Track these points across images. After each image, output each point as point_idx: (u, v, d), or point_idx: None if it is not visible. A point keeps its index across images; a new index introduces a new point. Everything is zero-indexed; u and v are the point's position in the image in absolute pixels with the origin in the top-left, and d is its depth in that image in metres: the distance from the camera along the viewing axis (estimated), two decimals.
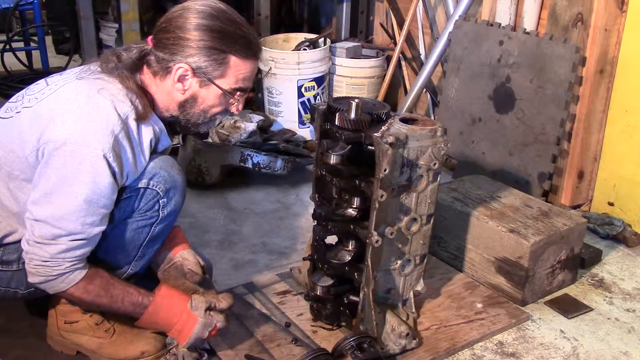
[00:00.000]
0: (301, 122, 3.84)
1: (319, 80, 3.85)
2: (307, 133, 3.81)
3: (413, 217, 1.95)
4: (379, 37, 4.34)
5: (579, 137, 2.91)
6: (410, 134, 1.84)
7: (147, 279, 1.95)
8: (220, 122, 3.44)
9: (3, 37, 4.71)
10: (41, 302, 1.99)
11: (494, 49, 3.12)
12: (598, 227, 2.79)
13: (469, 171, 3.03)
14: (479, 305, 2.27)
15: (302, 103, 3.81)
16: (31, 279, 1.72)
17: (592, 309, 2.32)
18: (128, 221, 1.82)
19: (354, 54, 4.00)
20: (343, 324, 2.10)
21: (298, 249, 2.67)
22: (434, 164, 1.90)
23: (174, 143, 2.11)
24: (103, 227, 1.72)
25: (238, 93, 1.84)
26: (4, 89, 4.33)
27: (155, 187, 1.80)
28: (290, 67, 3.75)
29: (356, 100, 1.85)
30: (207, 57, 1.75)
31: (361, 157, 1.85)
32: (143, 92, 1.78)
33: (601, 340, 2.17)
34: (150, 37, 1.81)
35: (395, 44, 3.97)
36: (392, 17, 4.05)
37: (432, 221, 2.00)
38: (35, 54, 4.84)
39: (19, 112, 1.75)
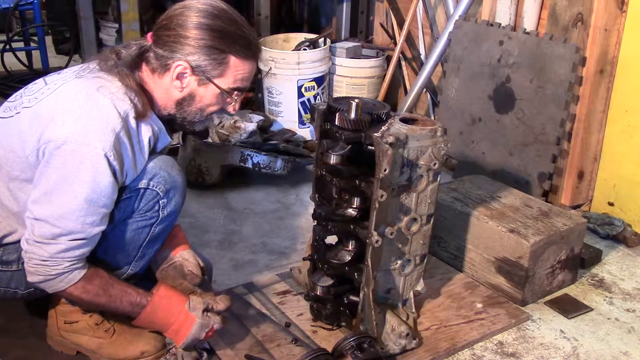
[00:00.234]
0: (301, 122, 3.84)
1: (319, 80, 3.85)
2: (307, 133, 3.81)
3: (413, 217, 1.94)
4: (379, 37, 4.34)
5: (579, 137, 2.91)
6: (410, 134, 1.84)
7: (147, 280, 1.95)
8: (220, 122, 3.44)
9: (3, 37, 4.71)
10: (41, 302, 1.99)
11: (494, 49, 3.12)
12: (598, 227, 2.79)
13: (469, 171, 3.03)
14: (479, 305, 2.27)
15: (302, 103, 3.81)
16: (30, 278, 1.72)
17: (592, 309, 2.32)
18: (128, 221, 1.82)
19: (354, 54, 4.00)
20: (343, 324, 2.10)
21: (298, 249, 2.67)
22: (434, 164, 1.90)
23: (174, 143, 2.11)
24: (103, 227, 1.72)
25: (236, 92, 1.84)
26: (4, 89, 4.32)
27: (156, 187, 1.80)
28: (290, 67, 3.75)
29: (356, 100, 1.85)
30: (207, 56, 1.75)
31: (361, 157, 1.85)
32: (142, 90, 1.78)
33: (601, 340, 2.17)
34: (149, 34, 1.81)
35: (395, 44, 3.97)
36: (392, 17, 4.05)
37: (432, 221, 2.00)
38: (35, 54, 4.84)
39: (19, 112, 1.75)
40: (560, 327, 2.22)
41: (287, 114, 3.85)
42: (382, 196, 1.80)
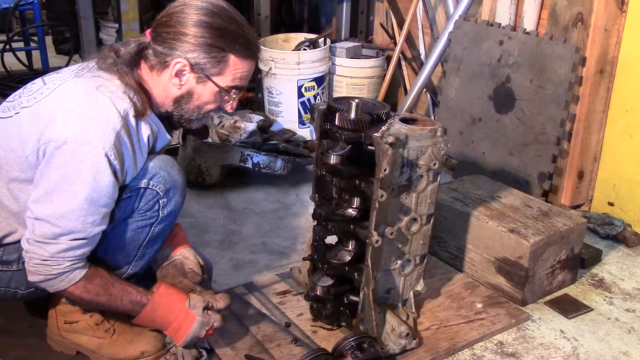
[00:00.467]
0: (301, 122, 3.84)
1: (319, 80, 3.85)
2: (307, 133, 3.81)
3: (413, 217, 1.94)
4: (379, 37, 4.34)
5: (579, 137, 2.91)
6: (410, 134, 1.84)
7: (147, 279, 1.95)
8: (220, 122, 3.44)
9: (3, 37, 4.71)
10: (41, 302, 1.99)
11: (494, 49, 3.12)
12: (598, 227, 2.79)
13: (469, 171, 3.03)
14: (479, 305, 2.27)
15: (302, 103, 3.81)
16: (31, 278, 1.72)
17: (592, 309, 2.32)
18: (128, 221, 1.82)
19: (354, 54, 4.00)
20: (343, 324, 2.10)
21: (298, 249, 2.67)
22: (434, 164, 1.90)
23: (174, 143, 2.11)
24: (104, 227, 1.72)
25: (234, 91, 1.84)
26: (4, 89, 4.32)
27: (155, 187, 1.80)
28: (290, 67, 3.75)
29: (356, 100, 1.85)
30: (207, 54, 1.75)
31: (361, 157, 1.85)
32: (141, 89, 1.78)
33: (601, 340, 2.17)
34: (148, 31, 1.81)
35: (395, 44, 3.98)
36: (392, 17, 4.05)
37: (432, 221, 2.00)
38: (35, 54, 4.83)
39: (18, 112, 1.75)
40: (560, 327, 2.22)
41: (287, 114, 3.85)
42: (382, 196, 1.80)
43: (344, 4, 4.29)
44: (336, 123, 1.87)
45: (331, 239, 2.09)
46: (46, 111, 1.70)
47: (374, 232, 1.85)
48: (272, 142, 3.45)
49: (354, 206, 1.94)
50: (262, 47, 3.54)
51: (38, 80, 1.84)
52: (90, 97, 1.69)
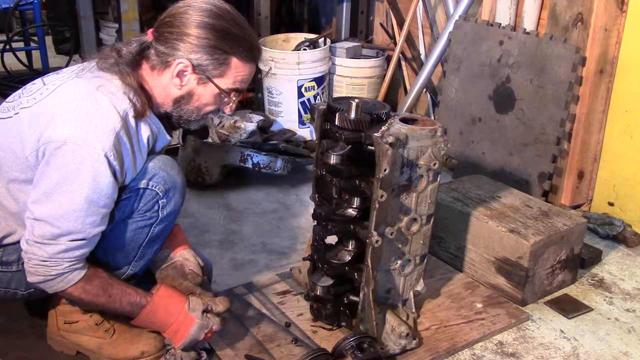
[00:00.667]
0: (301, 122, 3.84)
1: (319, 80, 3.85)
2: (307, 133, 3.81)
3: (413, 217, 1.95)
4: (379, 37, 4.34)
5: (579, 137, 2.91)
6: (410, 134, 1.84)
7: (147, 280, 1.95)
8: (220, 122, 3.44)
9: (3, 37, 4.70)
10: (41, 302, 1.99)
11: (494, 49, 3.12)
12: (598, 227, 2.79)
13: (469, 171, 3.04)
14: (479, 305, 2.27)
15: (302, 103, 3.81)
16: (30, 279, 1.72)
17: (592, 309, 2.32)
18: (127, 221, 1.81)
19: (354, 54, 4.00)
20: (343, 324, 2.10)
21: (298, 249, 2.67)
22: (434, 164, 1.90)
23: (174, 143, 2.11)
24: (103, 227, 1.72)
25: (233, 93, 1.85)
26: (4, 89, 4.31)
27: (155, 187, 1.80)
28: (290, 67, 3.75)
29: (356, 100, 1.85)
30: (209, 55, 1.75)
31: (361, 157, 1.85)
32: (142, 89, 1.78)
33: (601, 340, 2.17)
34: (150, 31, 1.81)
35: (395, 44, 3.97)
36: (392, 17, 4.05)
37: (432, 221, 2.00)
38: (35, 54, 4.83)
39: (17, 112, 1.75)
40: (560, 327, 2.22)
41: (287, 114, 3.84)
42: (382, 196, 1.80)
43: (344, 4, 4.29)
44: (336, 123, 1.87)
45: (331, 239, 2.09)
46: (46, 112, 1.69)
47: (374, 232, 1.85)
48: (272, 142, 3.45)
49: (354, 206, 1.94)
50: (262, 47, 3.54)
51: (38, 81, 1.83)
52: (90, 97, 1.69)
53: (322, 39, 4.01)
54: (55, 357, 1.98)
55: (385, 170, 1.78)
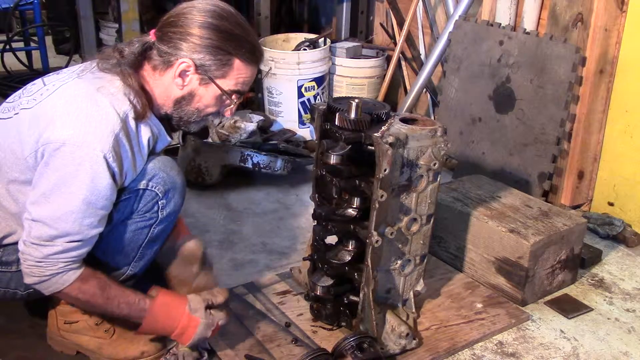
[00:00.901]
0: (301, 122, 3.84)
1: (319, 80, 3.85)
2: (307, 133, 3.81)
3: (413, 217, 1.95)
4: (379, 37, 4.34)
5: (579, 137, 2.91)
6: (410, 134, 1.84)
7: (146, 280, 1.95)
8: (220, 122, 3.44)
9: (3, 37, 4.70)
10: (41, 303, 1.99)
11: (494, 49, 3.12)
12: (598, 227, 2.79)
13: (469, 171, 3.04)
14: (479, 305, 2.27)
15: (302, 103, 3.81)
16: (26, 280, 1.71)
17: (592, 309, 2.32)
18: (127, 222, 1.81)
19: (354, 54, 4.00)
20: (343, 324, 2.10)
21: (298, 249, 2.67)
22: (434, 164, 1.90)
23: (174, 143, 2.11)
24: (101, 229, 1.72)
25: (235, 95, 1.85)
26: (4, 89, 4.31)
27: (155, 188, 1.80)
28: (290, 67, 3.75)
29: (356, 100, 1.85)
30: (212, 56, 1.75)
31: (361, 157, 1.85)
32: (143, 91, 1.77)
33: (601, 340, 2.17)
34: (153, 31, 1.81)
35: (395, 44, 3.97)
36: (392, 17, 4.05)
37: (432, 221, 2.00)
38: (35, 54, 4.83)
39: (17, 113, 1.75)
40: (560, 327, 2.22)
41: (287, 114, 3.84)
42: (382, 196, 1.80)
43: (344, 4, 4.29)
44: (336, 123, 1.87)
45: (331, 239, 2.09)
46: (45, 113, 1.69)
47: (374, 232, 1.85)
48: (272, 142, 3.45)
49: (354, 206, 1.94)
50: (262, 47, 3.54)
51: (38, 81, 1.83)
52: (90, 99, 1.69)
53: (322, 39, 4.01)
54: (55, 357, 1.98)
55: (385, 170, 1.78)
